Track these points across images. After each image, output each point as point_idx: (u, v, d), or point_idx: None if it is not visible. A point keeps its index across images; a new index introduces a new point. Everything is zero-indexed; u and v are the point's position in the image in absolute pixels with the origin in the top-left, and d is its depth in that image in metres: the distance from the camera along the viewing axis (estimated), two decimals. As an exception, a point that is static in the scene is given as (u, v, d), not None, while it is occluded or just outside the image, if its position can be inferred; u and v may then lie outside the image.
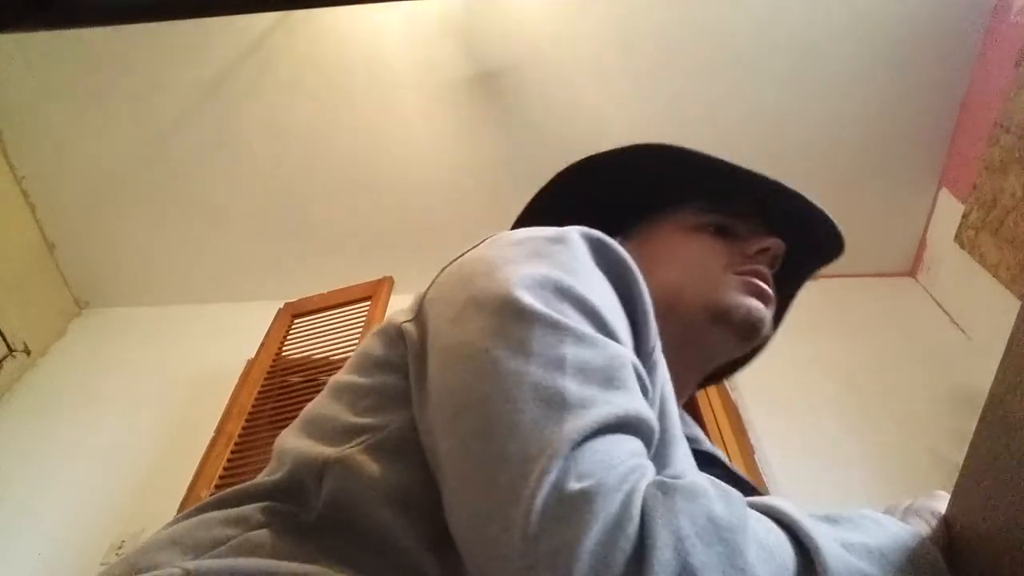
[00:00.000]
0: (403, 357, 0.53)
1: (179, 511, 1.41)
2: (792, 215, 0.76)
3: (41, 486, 1.70)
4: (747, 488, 0.68)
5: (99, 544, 1.54)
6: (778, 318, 0.83)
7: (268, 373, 1.68)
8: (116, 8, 1.40)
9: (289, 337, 1.80)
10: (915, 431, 1.57)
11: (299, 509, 0.50)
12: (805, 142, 1.97)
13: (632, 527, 0.38)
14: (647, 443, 0.45)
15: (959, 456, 0.49)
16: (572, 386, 0.43)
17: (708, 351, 0.70)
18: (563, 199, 0.78)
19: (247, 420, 1.56)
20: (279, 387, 1.64)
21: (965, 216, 1.85)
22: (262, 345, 1.77)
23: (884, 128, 1.93)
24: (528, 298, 0.46)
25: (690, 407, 1.57)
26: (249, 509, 0.50)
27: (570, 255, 0.51)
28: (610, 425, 0.42)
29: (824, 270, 0.87)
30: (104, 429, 1.85)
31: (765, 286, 0.69)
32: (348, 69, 1.91)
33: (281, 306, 1.92)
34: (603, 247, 0.53)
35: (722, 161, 0.72)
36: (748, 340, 0.69)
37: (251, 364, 1.74)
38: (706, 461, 0.68)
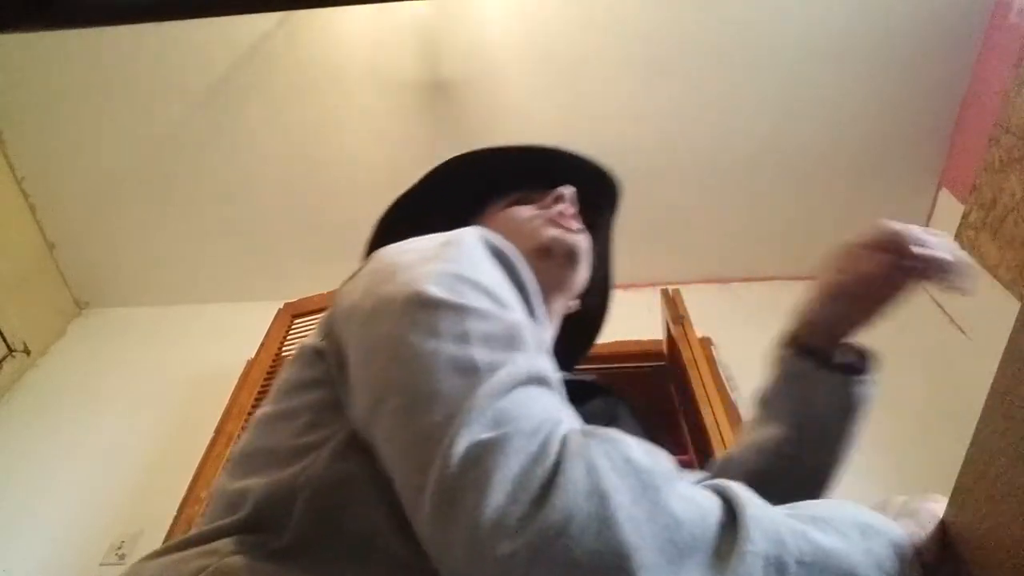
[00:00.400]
0: (327, 372, 0.58)
1: (178, 511, 1.41)
2: (576, 171, 0.95)
3: (41, 486, 1.70)
4: (626, 406, 0.83)
5: (99, 544, 1.54)
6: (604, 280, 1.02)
7: (268, 373, 1.68)
8: (116, 8, 1.40)
9: (289, 337, 1.80)
10: (915, 431, 1.57)
11: (270, 537, 0.52)
12: (805, 142, 1.97)
13: (549, 460, 0.42)
14: (556, 393, 0.50)
15: (959, 456, 0.49)
16: (480, 353, 0.48)
17: (550, 285, 0.82)
18: (416, 212, 0.94)
19: (247, 420, 1.56)
20: (279, 387, 1.64)
21: (965, 216, 1.85)
22: (262, 345, 1.77)
23: (884, 128, 1.94)
24: (432, 289, 0.52)
25: (689, 408, 1.57)
26: (220, 544, 0.53)
27: (460, 250, 0.58)
28: (520, 380, 0.47)
29: None
30: (104, 429, 1.85)
31: (567, 220, 0.85)
32: (349, 70, 1.91)
33: (281, 306, 1.92)
34: (489, 240, 0.61)
35: (507, 148, 0.93)
36: (571, 260, 0.83)
37: (251, 364, 1.74)
38: (584, 389, 0.83)
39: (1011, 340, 0.43)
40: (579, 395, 0.73)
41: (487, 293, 0.54)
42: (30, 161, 2.10)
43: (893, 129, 1.94)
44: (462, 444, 0.42)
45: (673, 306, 1.71)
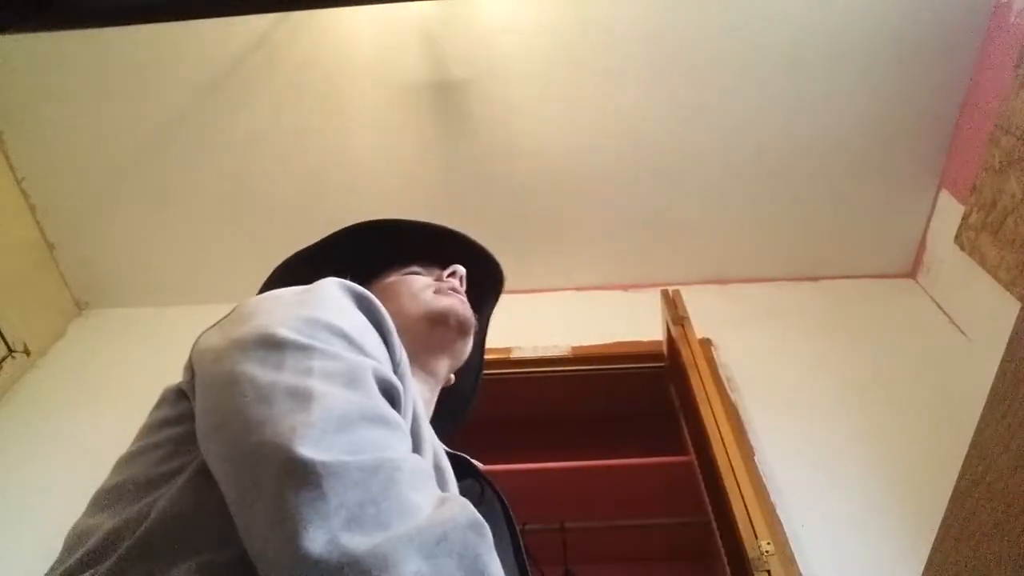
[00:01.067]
0: (189, 409, 0.60)
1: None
2: (467, 256, 1.03)
3: (41, 487, 1.70)
4: (492, 485, 0.84)
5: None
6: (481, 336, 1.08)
7: (268, 374, 1.68)
8: (116, 8, 1.40)
9: (289, 338, 1.80)
10: (915, 432, 1.57)
11: (97, 568, 0.52)
12: (804, 143, 1.97)
13: (380, 503, 0.45)
14: (396, 430, 0.53)
15: (959, 456, 0.49)
16: (317, 385, 0.50)
17: (438, 350, 0.88)
18: (308, 272, 0.95)
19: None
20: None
21: (965, 217, 1.85)
22: (262, 346, 1.77)
23: (884, 129, 1.94)
24: (282, 331, 0.54)
25: (689, 408, 1.57)
26: None
27: (320, 296, 0.61)
28: (351, 416, 0.49)
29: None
30: (104, 430, 1.85)
31: (455, 294, 0.91)
32: (349, 70, 1.91)
33: (281, 307, 1.91)
34: (351, 287, 0.65)
35: (405, 223, 1.04)
36: (463, 329, 0.88)
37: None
38: (461, 464, 0.82)
39: (1011, 340, 0.43)
40: (455, 471, 0.76)
41: (343, 337, 0.56)
42: (30, 161, 2.10)
43: (893, 129, 1.94)
44: (296, 463, 0.44)
45: (673, 307, 1.71)
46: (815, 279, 2.17)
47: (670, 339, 1.74)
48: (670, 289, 1.78)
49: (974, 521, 0.45)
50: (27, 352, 2.09)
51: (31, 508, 1.65)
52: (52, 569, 0.57)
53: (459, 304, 0.90)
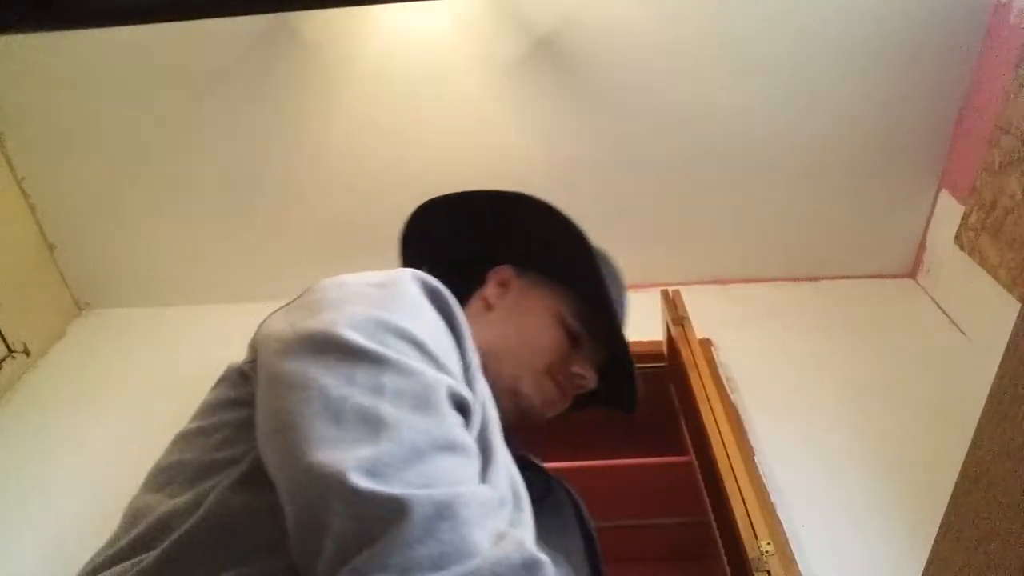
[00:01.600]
0: (251, 393, 0.58)
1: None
2: (618, 363, 0.87)
3: (41, 487, 1.70)
4: (559, 482, 0.80)
5: (98, 546, 1.53)
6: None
7: (268, 374, 1.68)
8: (116, 9, 1.40)
9: (289, 338, 1.80)
10: (915, 432, 1.57)
11: (146, 555, 0.52)
12: (804, 143, 1.97)
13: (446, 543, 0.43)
14: (466, 456, 0.50)
15: (959, 456, 0.49)
16: (389, 409, 0.48)
17: (505, 418, 0.76)
18: (485, 221, 0.90)
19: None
20: (279, 388, 1.64)
21: (965, 218, 1.85)
22: (262, 346, 1.77)
23: (884, 129, 1.94)
24: (354, 335, 0.52)
25: (689, 409, 1.57)
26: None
27: (393, 294, 0.58)
28: (422, 446, 0.47)
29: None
30: (103, 430, 1.85)
31: (559, 401, 0.81)
32: (349, 69, 1.91)
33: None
34: (426, 282, 0.61)
35: (607, 294, 0.81)
36: (521, 426, 0.78)
37: (251, 365, 1.74)
38: (522, 464, 0.78)
39: (1011, 341, 0.43)
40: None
41: (416, 345, 0.54)
42: (30, 161, 2.10)
43: (893, 130, 1.94)
44: (360, 497, 0.43)
45: (673, 307, 1.71)
46: (815, 279, 2.17)
47: (670, 339, 1.74)
48: (670, 289, 1.78)
49: (974, 521, 0.45)
50: (27, 352, 2.09)
51: (31, 508, 1.65)
52: (109, 543, 0.58)
53: (542, 412, 0.79)
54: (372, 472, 0.44)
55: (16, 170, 2.11)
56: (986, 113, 1.78)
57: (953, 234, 1.90)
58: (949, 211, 1.96)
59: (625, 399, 0.92)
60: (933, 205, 2.05)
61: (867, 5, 1.77)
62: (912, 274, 2.14)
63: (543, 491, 0.78)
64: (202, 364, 2.05)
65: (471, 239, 0.90)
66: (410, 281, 0.61)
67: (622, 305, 0.87)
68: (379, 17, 1.83)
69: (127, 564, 0.52)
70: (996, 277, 1.71)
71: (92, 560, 0.57)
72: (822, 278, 2.17)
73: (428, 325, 0.57)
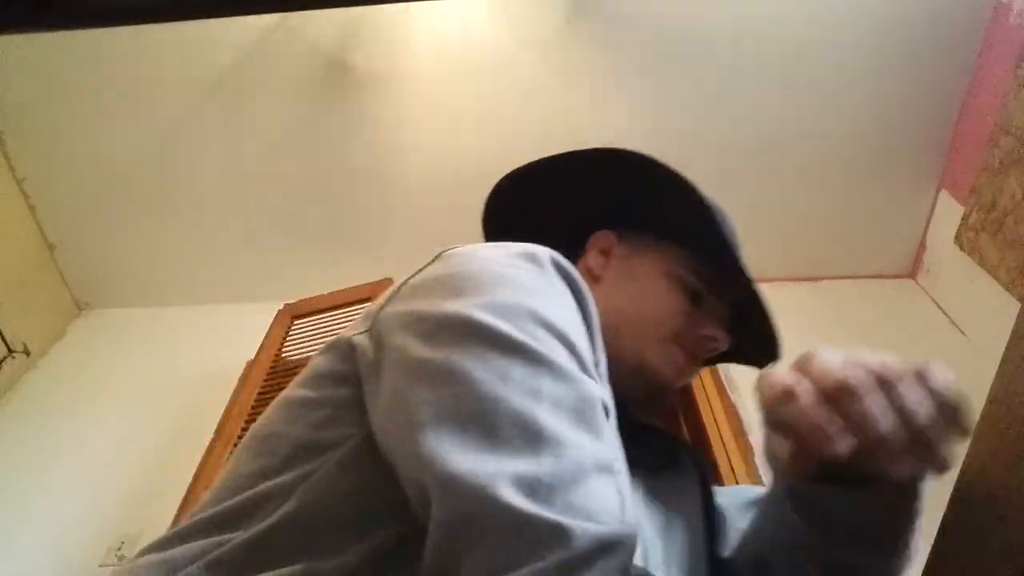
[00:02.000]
0: (356, 371, 0.53)
1: (178, 512, 1.42)
2: (751, 312, 0.75)
3: (40, 487, 1.70)
4: (687, 450, 0.74)
5: (98, 546, 1.54)
6: None
7: (268, 374, 1.68)
8: (116, 8, 1.40)
9: (289, 338, 1.80)
10: (915, 432, 1.57)
11: (235, 535, 0.49)
12: (804, 144, 1.97)
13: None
14: (618, 476, 0.46)
15: (959, 456, 0.49)
16: (549, 420, 0.43)
17: (618, 387, 0.66)
18: (571, 184, 0.78)
19: (247, 422, 1.56)
20: (279, 389, 1.64)
21: (965, 218, 1.85)
22: (262, 346, 1.77)
23: (884, 129, 1.94)
24: (503, 325, 0.47)
25: (689, 408, 1.57)
26: (177, 551, 0.49)
27: (538, 278, 0.52)
28: (584, 467, 0.43)
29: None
30: (103, 430, 1.85)
31: (689, 369, 0.71)
32: (347, 68, 1.91)
33: (281, 307, 1.92)
34: (561, 266, 0.55)
35: (727, 241, 0.73)
36: (650, 404, 0.71)
37: (251, 365, 1.74)
38: (646, 429, 0.71)
39: (1011, 341, 0.43)
40: (645, 436, 0.68)
41: (567, 345, 0.49)
42: (30, 161, 2.10)
43: (893, 130, 1.94)
44: (521, 521, 0.39)
45: (673, 307, 1.71)
46: (815, 279, 2.17)
47: (670, 339, 1.74)
48: (670, 289, 1.77)
49: (974, 521, 0.45)
50: (27, 352, 2.09)
51: (31, 508, 1.65)
52: (201, 507, 0.52)
53: (673, 384, 0.70)
54: (531, 491, 0.40)
55: (16, 170, 2.11)
56: (986, 113, 1.78)
57: (953, 234, 1.90)
58: (949, 211, 1.96)
59: (763, 352, 0.79)
60: (933, 205, 2.04)
61: (867, 6, 1.77)
62: (912, 274, 2.14)
63: (668, 458, 0.71)
64: (201, 364, 2.06)
65: (559, 207, 0.80)
66: (550, 264, 0.54)
67: (740, 249, 0.76)
68: (376, 18, 1.83)
69: (210, 542, 0.49)
70: (996, 277, 1.71)
71: (190, 517, 0.52)
72: (822, 278, 2.17)
73: (571, 317, 0.52)
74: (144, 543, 1.61)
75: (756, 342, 0.77)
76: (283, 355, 1.75)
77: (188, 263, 2.26)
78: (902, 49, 1.81)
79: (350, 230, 2.16)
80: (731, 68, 1.87)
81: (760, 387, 0.47)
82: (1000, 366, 0.44)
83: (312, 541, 0.47)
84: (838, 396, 0.42)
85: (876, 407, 0.41)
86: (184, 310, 2.29)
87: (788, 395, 0.44)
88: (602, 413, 0.48)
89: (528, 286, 0.51)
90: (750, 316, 0.75)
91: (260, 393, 1.63)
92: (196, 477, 1.47)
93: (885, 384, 0.43)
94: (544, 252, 0.55)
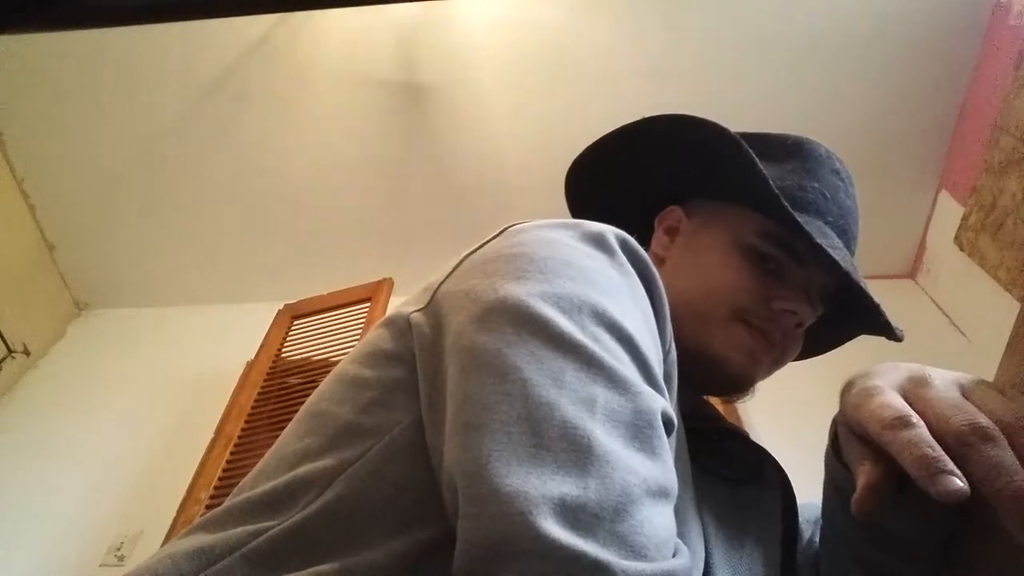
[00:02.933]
0: (411, 350, 0.49)
1: (178, 512, 1.41)
2: (848, 284, 0.65)
3: (40, 487, 1.70)
4: (770, 459, 0.67)
5: (98, 545, 1.54)
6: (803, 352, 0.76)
7: (267, 374, 1.68)
8: (116, 9, 1.40)
9: (289, 338, 1.80)
10: (915, 433, 1.57)
11: (272, 524, 0.46)
12: (805, 144, 1.97)
13: None
14: (672, 503, 0.43)
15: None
16: (601, 435, 0.40)
17: (693, 379, 0.62)
18: (640, 153, 0.73)
19: (246, 422, 1.56)
20: (278, 389, 1.64)
21: (965, 218, 1.85)
22: (262, 346, 1.77)
23: (884, 130, 1.94)
24: (563, 320, 0.43)
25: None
26: (219, 537, 0.47)
27: (607, 266, 0.48)
28: (633, 493, 0.39)
29: None
30: (103, 430, 1.85)
31: (766, 348, 0.62)
32: (347, 71, 1.91)
33: (281, 307, 1.91)
34: (632, 249, 0.50)
35: (807, 202, 0.65)
36: (724, 394, 0.65)
37: (250, 365, 1.74)
38: (729, 437, 0.66)
39: (1010, 342, 0.43)
40: (720, 435, 0.64)
41: (628, 344, 0.45)
42: (30, 161, 2.10)
43: (893, 131, 1.94)
44: (559, 552, 0.35)
45: (673, 307, 1.71)
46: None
47: (670, 339, 1.74)
48: (670, 289, 1.77)
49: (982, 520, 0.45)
50: (27, 352, 2.09)
51: (31, 508, 1.64)
52: (249, 483, 0.49)
53: (746, 370, 0.61)
54: (574, 519, 0.36)
55: (16, 170, 2.11)
56: (986, 113, 1.78)
57: (953, 234, 1.90)
58: (949, 211, 1.96)
59: (879, 324, 0.70)
60: (933, 205, 2.04)
61: (867, 6, 1.77)
62: (912, 274, 2.14)
63: (749, 470, 0.65)
64: (201, 364, 2.06)
65: (629, 183, 0.74)
66: (618, 246, 0.49)
67: (837, 202, 0.68)
68: (376, 18, 1.83)
69: (248, 531, 0.47)
70: (996, 277, 1.71)
71: (234, 494, 0.49)
72: (822, 278, 2.16)
73: (639, 316, 0.47)
74: (144, 543, 1.61)
75: (863, 318, 0.69)
76: (283, 355, 1.75)
77: (188, 263, 2.26)
78: (902, 49, 1.81)
79: (350, 230, 2.16)
80: (731, 68, 1.87)
81: (865, 403, 0.43)
82: (999, 367, 0.44)
83: (348, 536, 0.45)
84: (966, 439, 0.37)
85: (1008, 458, 0.36)
86: (184, 310, 2.29)
87: (904, 423, 0.39)
88: (661, 430, 0.43)
89: (595, 277, 0.47)
90: (850, 286, 0.65)
91: (260, 393, 1.63)
92: (196, 477, 1.47)
93: (1012, 433, 0.38)
94: (613, 235, 0.50)
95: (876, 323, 0.71)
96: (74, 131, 2.03)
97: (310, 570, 0.43)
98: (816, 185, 0.70)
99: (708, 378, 0.61)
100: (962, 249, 1.85)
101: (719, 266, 0.63)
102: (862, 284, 0.64)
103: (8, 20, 1.30)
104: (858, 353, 1.92)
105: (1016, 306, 1.64)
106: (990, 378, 0.44)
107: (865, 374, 0.48)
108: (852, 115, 1.92)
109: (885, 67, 1.84)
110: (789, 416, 1.71)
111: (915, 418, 0.39)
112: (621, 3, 1.80)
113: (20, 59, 1.92)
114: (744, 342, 0.61)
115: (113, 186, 2.13)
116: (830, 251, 0.61)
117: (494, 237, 0.53)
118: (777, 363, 0.65)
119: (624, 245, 0.50)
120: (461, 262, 0.51)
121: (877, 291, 0.68)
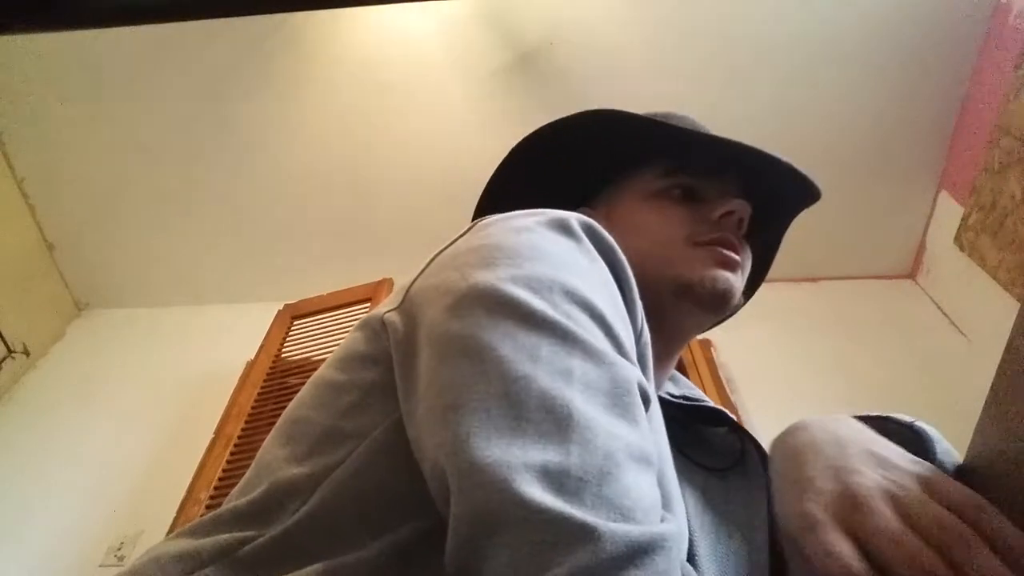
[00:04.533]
0: (386, 351, 0.50)
1: (178, 513, 1.41)
2: (758, 169, 0.72)
3: (40, 488, 1.70)
4: (755, 443, 0.68)
5: (98, 546, 1.54)
6: (757, 277, 0.80)
7: (267, 375, 1.68)
8: (116, 9, 1.40)
9: (289, 338, 1.80)
10: (915, 433, 1.57)
11: (259, 532, 0.47)
12: (805, 144, 1.97)
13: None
14: (653, 469, 0.43)
15: (958, 457, 0.49)
16: (579, 402, 0.40)
17: (678, 326, 0.66)
18: (524, 174, 0.76)
19: (246, 422, 1.56)
20: (278, 389, 1.64)
21: (964, 218, 1.85)
22: (262, 347, 1.77)
23: (884, 130, 1.94)
24: (535, 300, 0.44)
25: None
26: (206, 543, 0.47)
27: (574, 249, 0.49)
28: (616, 457, 0.39)
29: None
30: (103, 431, 1.85)
31: (730, 253, 0.65)
32: (347, 70, 1.91)
33: (281, 307, 1.92)
34: (596, 234, 0.51)
35: (677, 127, 0.69)
36: (717, 312, 0.66)
37: (250, 366, 1.74)
38: (713, 418, 0.68)
39: (1010, 341, 0.43)
40: (704, 419, 0.67)
41: (600, 321, 0.46)
42: (30, 161, 2.10)
43: (893, 131, 1.94)
44: (544, 512, 0.36)
45: (673, 307, 1.71)
46: (815, 280, 2.17)
47: (670, 340, 1.74)
48: (670, 290, 1.77)
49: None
50: (27, 352, 2.09)
51: (31, 508, 1.64)
52: (236, 493, 0.50)
53: (724, 278, 0.63)
54: (558, 485, 0.37)
55: (16, 170, 2.11)
56: (986, 113, 1.78)
57: (953, 235, 1.90)
58: (949, 212, 1.96)
59: (799, 191, 0.75)
60: (933, 206, 2.04)
61: (867, 6, 1.77)
62: (912, 275, 2.14)
63: (738, 455, 0.66)
64: (201, 364, 2.06)
65: (543, 193, 0.76)
66: (581, 230, 0.51)
67: (697, 126, 0.73)
68: (376, 18, 1.83)
69: (235, 537, 0.47)
70: (995, 278, 1.71)
71: (223, 505, 0.50)
72: (822, 279, 2.16)
73: (607, 293, 0.48)
74: (144, 543, 1.61)
75: (789, 189, 0.76)
76: (283, 355, 1.75)
77: (188, 263, 2.26)
78: (902, 49, 1.82)
79: (350, 230, 2.16)
80: (730, 69, 1.87)
81: (807, 537, 0.42)
82: (999, 366, 0.44)
83: (335, 538, 0.45)
84: (951, 544, 0.38)
85: (992, 565, 0.37)
86: (184, 310, 2.29)
87: (896, 543, 0.39)
88: (638, 398, 0.44)
89: (563, 259, 0.48)
90: (764, 170, 0.72)
91: (260, 393, 1.63)
92: (196, 477, 1.47)
93: (987, 537, 0.39)
94: (578, 221, 0.52)
95: (800, 187, 0.77)
96: (74, 131, 2.03)
97: (300, 572, 0.44)
98: (679, 116, 0.76)
99: (697, 304, 0.64)
100: (962, 249, 1.86)
101: (650, 219, 0.67)
102: (763, 150, 0.69)
103: (8, 20, 1.30)
104: (859, 352, 1.92)
105: (1016, 306, 1.64)
106: (990, 378, 0.44)
107: (792, 452, 0.52)
108: (852, 115, 1.92)
109: (885, 67, 1.84)
110: (789, 417, 1.70)
111: (905, 536, 0.39)
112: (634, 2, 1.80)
113: (20, 59, 1.92)
114: (708, 256, 0.64)
115: (113, 186, 2.13)
116: (716, 135, 0.68)
117: (463, 234, 0.54)
118: (744, 267, 0.68)
119: (589, 231, 0.51)
120: (432, 260, 0.53)
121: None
